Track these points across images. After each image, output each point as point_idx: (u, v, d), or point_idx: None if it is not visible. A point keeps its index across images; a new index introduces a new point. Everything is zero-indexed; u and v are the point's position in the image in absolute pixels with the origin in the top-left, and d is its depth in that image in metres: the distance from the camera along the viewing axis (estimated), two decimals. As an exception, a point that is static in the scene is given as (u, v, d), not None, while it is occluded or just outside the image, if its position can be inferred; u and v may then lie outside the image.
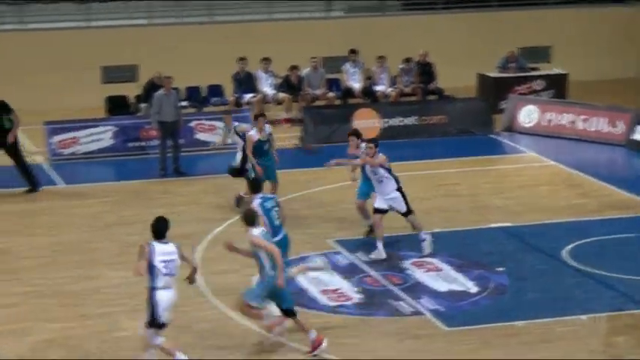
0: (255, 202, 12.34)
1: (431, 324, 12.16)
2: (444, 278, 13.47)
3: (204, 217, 15.87)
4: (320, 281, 13.27)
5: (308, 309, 12.38)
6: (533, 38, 25.51)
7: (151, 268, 10.52)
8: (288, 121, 21.77)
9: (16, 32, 23.69)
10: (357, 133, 15.02)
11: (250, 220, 11.38)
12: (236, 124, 16.89)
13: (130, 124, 19.87)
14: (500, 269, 13.73)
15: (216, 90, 22.52)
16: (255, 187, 12.82)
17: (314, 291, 13.04)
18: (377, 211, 14.25)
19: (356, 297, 12.96)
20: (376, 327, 12.10)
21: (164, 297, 10.57)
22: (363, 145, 14.66)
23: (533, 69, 23.69)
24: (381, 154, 14.25)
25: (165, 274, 10.55)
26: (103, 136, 19.65)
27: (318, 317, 12.20)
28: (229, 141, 17.03)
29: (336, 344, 11.43)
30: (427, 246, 14.25)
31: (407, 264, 13.99)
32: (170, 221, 10.81)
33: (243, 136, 16.21)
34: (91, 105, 21.77)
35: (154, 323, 10.63)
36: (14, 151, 17.46)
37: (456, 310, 12.48)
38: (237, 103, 21.88)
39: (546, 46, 25.77)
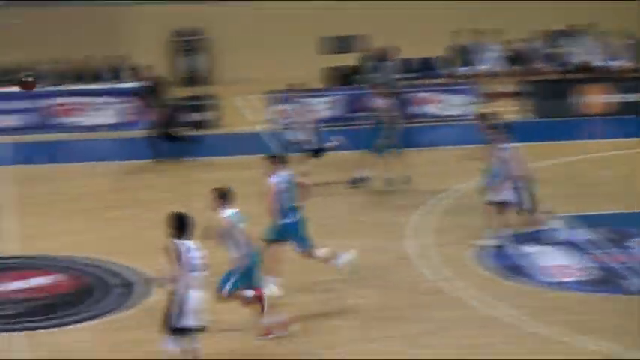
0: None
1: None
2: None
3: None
4: (546, 256, 12.84)
5: (533, 284, 11.97)
6: None
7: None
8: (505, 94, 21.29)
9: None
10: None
11: (223, 197, 10.62)
12: None
13: (348, 95, 19.83)
14: None
15: (428, 62, 22.27)
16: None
17: (538, 265, 12.62)
18: None
19: (583, 273, 12.46)
20: (606, 304, 11.55)
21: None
22: None
23: None
24: None
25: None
26: (322, 107, 19.83)
27: (543, 293, 11.78)
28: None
29: (571, 321, 10.99)
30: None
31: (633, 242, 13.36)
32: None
33: None
34: (308, 75, 22.02)
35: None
36: None
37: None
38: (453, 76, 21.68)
39: None
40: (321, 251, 11.96)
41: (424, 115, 19.90)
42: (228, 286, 10.72)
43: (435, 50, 22.07)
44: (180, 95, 20.17)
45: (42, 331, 10.88)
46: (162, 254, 9.45)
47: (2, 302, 11.62)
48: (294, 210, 11.82)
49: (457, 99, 20.24)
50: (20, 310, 11.40)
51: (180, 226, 9.48)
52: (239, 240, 10.60)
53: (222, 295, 10.73)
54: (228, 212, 10.61)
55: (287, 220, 11.75)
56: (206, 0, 23.97)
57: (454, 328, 10.86)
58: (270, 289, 11.25)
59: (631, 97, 20.17)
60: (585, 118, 19.89)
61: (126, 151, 19.25)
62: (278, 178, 11.73)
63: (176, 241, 9.46)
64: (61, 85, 21.58)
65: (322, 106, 19.72)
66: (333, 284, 12.01)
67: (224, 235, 10.56)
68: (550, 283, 12.10)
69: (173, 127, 18.19)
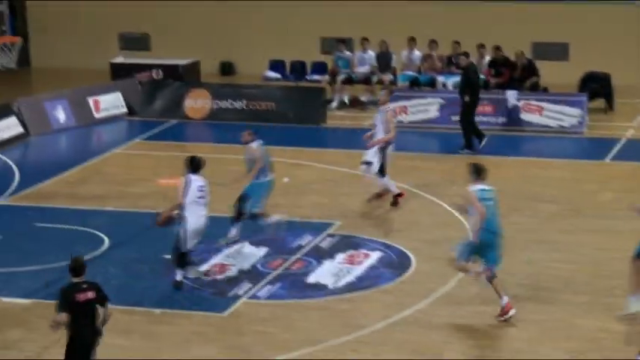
0: None
1: None
2: None
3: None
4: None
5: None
6: None
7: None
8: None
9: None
10: None
11: (477, 172, 11.85)
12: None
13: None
14: None
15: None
16: None
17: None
18: None
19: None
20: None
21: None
22: None
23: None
24: None
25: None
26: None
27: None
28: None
29: None
30: None
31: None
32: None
33: None
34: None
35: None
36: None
37: None
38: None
39: None
40: None
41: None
42: (460, 256, 11.85)
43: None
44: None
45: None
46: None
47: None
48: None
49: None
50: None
51: (192, 164, 12.90)
52: (477, 216, 11.61)
53: (456, 265, 12.01)
54: (477, 187, 11.80)
55: None
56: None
57: None
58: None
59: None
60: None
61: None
62: None
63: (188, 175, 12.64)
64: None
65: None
66: None
67: (466, 207, 11.88)
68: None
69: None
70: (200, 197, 12.97)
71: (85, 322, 9.82)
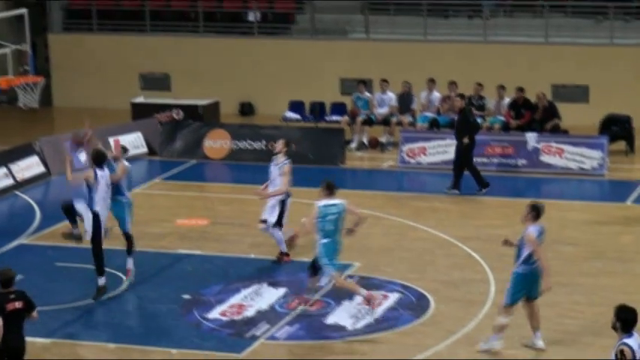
0: None
1: None
2: None
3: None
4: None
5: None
6: None
7: None
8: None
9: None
10: None
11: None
12: None
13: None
14: None
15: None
16: None
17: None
18: None
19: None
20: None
21: None
22: None
23: None
24: None
25: None
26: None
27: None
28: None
29: None
30: None
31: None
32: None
33: None
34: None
35: None
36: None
37: None
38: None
39: None
40: None
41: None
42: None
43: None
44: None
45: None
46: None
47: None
48: None
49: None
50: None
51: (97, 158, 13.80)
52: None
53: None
54: (323, 202, 12.97)
55: None
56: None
57: None
58: None
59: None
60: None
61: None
62: None
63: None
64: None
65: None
66: None
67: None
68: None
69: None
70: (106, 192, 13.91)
71: (14, 331, 10.09)
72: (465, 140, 18.85)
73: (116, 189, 14.33)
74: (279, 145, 15.43)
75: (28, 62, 17.20)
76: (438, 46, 24.68)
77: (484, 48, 24.60)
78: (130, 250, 14.57)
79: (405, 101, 22.69)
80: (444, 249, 16.08)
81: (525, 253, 12.12)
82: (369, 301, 13.29)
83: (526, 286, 12.13)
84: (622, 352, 8.96)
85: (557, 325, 13.13)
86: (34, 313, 10.56)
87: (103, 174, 13.92)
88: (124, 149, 15.28)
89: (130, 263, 14.56)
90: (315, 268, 13.46)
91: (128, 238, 14.55)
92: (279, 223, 15.18)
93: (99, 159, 13.96)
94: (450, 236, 16.53)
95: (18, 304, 10.28)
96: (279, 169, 15.09)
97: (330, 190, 13.16)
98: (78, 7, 27.30)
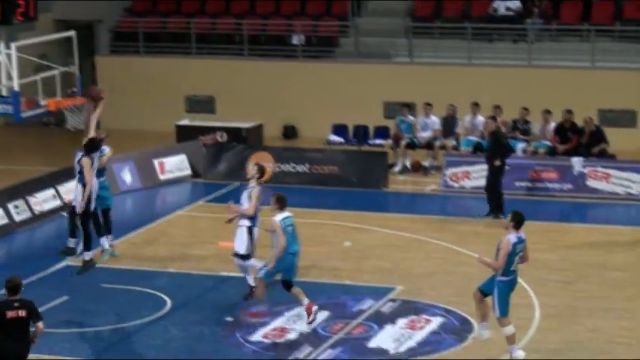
0: None
1: None
2: None
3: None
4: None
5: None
6: None
7: None
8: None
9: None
10: None
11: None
12: None
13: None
14: None
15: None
16: None
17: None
18: None
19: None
20: None
21: None
22: None
23: None
24: None
25: None
26: None
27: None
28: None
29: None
30: None
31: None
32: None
33: None
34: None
35: None
36: None
37: None
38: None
39: None
40: None
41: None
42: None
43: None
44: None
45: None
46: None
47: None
48: None
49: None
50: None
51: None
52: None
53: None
54: (281, 216, 13.72)
55: None
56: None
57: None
58: None
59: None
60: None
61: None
62: None
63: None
64: None
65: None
66: None
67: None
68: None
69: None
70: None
71: (14, 339, 10.03)
72: (497, 162, 18.77)
73: (98, 172, 15.71)
74: (252, 170, 15.22)
75: (76, 84, 17.40)
76: (483, 70, 24.61)
77: (529, 72, 24.48)
78: (109, 229, 16.28)
79: (448, 125, 22.64)
80: (488, 273, 15.95)
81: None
82: (308, 311, 13.63)
83: (510, 292, 12.63)
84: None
85: (605, 351, 12.98)
86: (40, 325, 10.56)
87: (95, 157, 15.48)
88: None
89: (105, 242, 15.85)
90: (286, 284, 13.85)
91: (108, 215, 16.30)
92: (247, 256, 14.73)
93: (95, 147, 15.47)
94: (494, 261, 16.40)
95: (21, 313, 10.30)
96: (248, 194, 14.91)
97: (282, 203, 13.80)
98: (125, 30, 27.62)
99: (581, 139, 21.41)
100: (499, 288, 12.59)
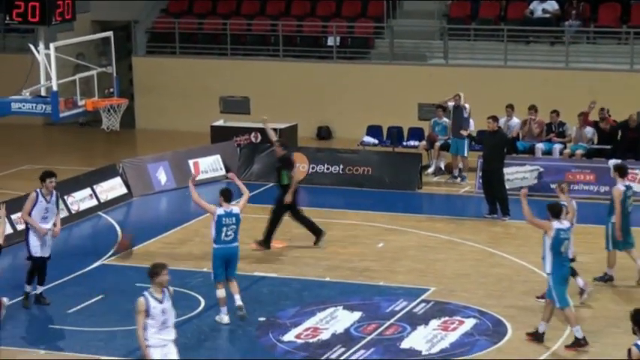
0: None
1: None
2: None
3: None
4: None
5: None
6: None
7: None
8: None
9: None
10: None
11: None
12: None
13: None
14: None
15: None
16: None
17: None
18: None
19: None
20: None
21: None
22: None
23: None
24: None
25: None
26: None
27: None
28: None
29: None
30: None
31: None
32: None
33: None
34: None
35: None
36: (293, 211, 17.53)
37: None
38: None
39: None
40: None
41: None
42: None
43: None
44: None
45: None
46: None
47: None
48: None
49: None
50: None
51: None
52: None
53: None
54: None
55: None
56: None
57: None
58: None
59: None
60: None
61: None
62: None
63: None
64: None
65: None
66: None
67: None
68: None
69: None
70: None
71: None
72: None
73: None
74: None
75: (113, 84, 17.55)
76: (518, 72, 24.50)
77: (566, 74, 24.33)
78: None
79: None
80: (522, 275, 15.91)
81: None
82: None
83: (565, 282, 12.99)
84: (629, 351, 9.51)
85: None
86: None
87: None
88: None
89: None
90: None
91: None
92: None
93: None
94: (528, 262, 16.34)
95: None
96: None
97: (226, 197, 14.49)
98: (161, 31, 27.81)
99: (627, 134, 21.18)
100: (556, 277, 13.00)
